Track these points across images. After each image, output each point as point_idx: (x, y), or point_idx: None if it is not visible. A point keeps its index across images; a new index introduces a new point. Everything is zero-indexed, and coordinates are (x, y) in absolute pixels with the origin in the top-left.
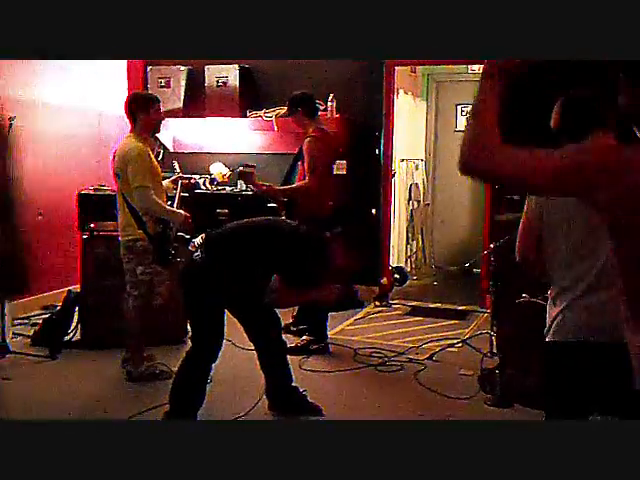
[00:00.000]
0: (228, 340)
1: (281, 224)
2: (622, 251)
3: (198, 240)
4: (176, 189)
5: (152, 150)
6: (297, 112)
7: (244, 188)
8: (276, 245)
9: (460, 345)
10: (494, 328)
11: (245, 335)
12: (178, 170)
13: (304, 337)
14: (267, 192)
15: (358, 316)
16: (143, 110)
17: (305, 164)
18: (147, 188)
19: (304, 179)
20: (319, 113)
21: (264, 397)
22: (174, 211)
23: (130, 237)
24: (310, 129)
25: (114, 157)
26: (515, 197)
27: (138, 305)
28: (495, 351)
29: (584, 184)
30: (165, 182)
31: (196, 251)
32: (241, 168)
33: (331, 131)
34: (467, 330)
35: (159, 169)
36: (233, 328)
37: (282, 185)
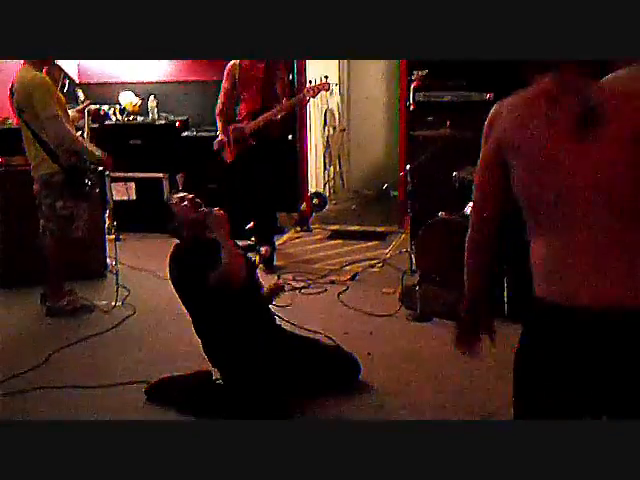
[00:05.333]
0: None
1: None
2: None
3: None
4: (83, 119)
5: (57, 81)
6: None
7: (156, 117)
8: None
9: (381, 265)
10: (413, 247)
11: None
12: (83, 99)
13: (262, 248)
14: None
15: (279, 242)
16: None
17: (283, 87)
18: (58, 117)
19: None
20: None
21: None
22: (89, 149)
23: (46, 172)
24: None
25: (12, 91)
26: (430, 118)
27: (57, 240)
28: (414, 269)
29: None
30: (71, 112)
31: None
32: None
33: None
34: (387, 250)
35: (64, 100)
36: None
37: (222, 113)
